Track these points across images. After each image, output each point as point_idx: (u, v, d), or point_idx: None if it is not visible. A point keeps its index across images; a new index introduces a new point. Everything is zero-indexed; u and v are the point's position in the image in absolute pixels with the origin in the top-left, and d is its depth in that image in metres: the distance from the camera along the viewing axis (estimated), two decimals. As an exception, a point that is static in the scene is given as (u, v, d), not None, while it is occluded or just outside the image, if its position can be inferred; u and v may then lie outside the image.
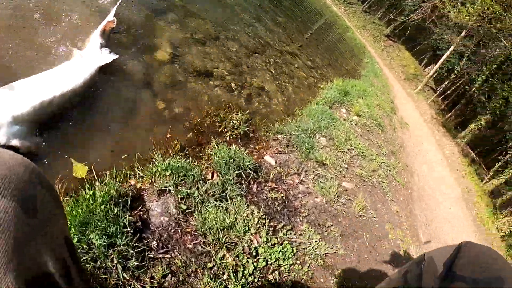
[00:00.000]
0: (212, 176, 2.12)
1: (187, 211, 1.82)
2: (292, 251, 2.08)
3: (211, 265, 1.67)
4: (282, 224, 2.20)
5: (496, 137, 30.44)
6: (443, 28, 24.35)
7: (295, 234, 2.23)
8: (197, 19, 3.82)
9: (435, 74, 26.96)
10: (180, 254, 1.62)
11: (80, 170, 1.83)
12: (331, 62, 7.95)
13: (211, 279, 1.59)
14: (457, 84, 28.37)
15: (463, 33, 21.59)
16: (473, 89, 24.83)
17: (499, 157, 25.32)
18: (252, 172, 2.32)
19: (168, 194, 1.86)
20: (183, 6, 3.77)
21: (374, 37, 26.75)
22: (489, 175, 20.79)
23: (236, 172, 2.22)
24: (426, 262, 1.00)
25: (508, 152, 21.73)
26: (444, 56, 23.09)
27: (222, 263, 1.71)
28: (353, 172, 3.56)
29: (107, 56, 2.28)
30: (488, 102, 23.16)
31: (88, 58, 2.18)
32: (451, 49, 22.58)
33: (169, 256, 1.58)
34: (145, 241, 1.56)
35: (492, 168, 22.53)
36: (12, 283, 0.39)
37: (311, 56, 6.87)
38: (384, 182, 4.03)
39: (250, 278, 1.75)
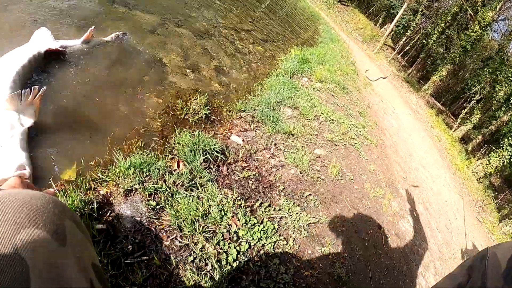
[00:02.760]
0: (178, 166, 2.01)
1: (157, 207, 1.71)
2: (274, 228, 2.02)
3: (192, 258, 1.59)
4: (259, 202, 2.14)
5: (459, 86, 31.72)
6: (395, -14, 24.60)
7: (274, 210, 2.17)
8: (139, 11, 3.60)
9: (392, 33, 27.43)
10: (158, 254, 1.53)
11: (69, 171, 1.70)
12: (287, 34, 7.84)
13: (194, 273, 1.51)
14: (415, 40, 29.11)
15: (415, -11, 21.89)
16: (430, 42, 25.33)
17: (464, 104, 26.44)
18: (219, 155, 2.23)
19: (135, 193, 1.74)
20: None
21: (326, 4, 26.76)
22: (457, 123, 21.58)
23: (203, 158, 2.12)
24: (489, 258, 0.95)
25: (473, 98, 22.68)
26: (399, 14, 23.40)
27: (203, 254, 1.63)
28: (323, 138, 3.53)
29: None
30: (447, 53, 23.61)
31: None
32: (404, 6, 22.95)
33: (147, 258, 1.49)
34: (118, 247, 1.45)
35: (459, 115, 23.48)
36: None
37: (267, 30, 6.73)
38: (356, 143, 4.04)
39: (235, 264, 1.69)
